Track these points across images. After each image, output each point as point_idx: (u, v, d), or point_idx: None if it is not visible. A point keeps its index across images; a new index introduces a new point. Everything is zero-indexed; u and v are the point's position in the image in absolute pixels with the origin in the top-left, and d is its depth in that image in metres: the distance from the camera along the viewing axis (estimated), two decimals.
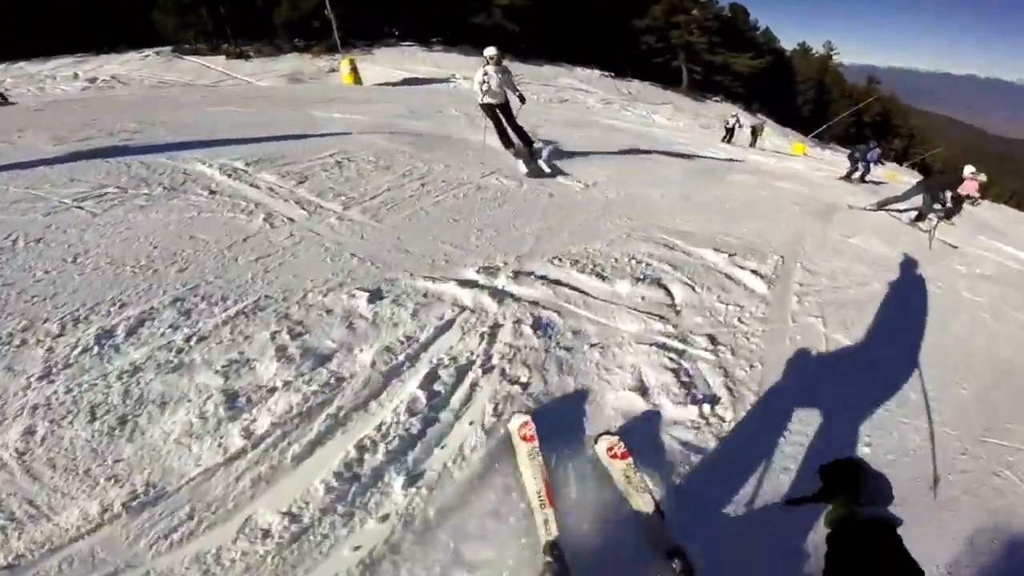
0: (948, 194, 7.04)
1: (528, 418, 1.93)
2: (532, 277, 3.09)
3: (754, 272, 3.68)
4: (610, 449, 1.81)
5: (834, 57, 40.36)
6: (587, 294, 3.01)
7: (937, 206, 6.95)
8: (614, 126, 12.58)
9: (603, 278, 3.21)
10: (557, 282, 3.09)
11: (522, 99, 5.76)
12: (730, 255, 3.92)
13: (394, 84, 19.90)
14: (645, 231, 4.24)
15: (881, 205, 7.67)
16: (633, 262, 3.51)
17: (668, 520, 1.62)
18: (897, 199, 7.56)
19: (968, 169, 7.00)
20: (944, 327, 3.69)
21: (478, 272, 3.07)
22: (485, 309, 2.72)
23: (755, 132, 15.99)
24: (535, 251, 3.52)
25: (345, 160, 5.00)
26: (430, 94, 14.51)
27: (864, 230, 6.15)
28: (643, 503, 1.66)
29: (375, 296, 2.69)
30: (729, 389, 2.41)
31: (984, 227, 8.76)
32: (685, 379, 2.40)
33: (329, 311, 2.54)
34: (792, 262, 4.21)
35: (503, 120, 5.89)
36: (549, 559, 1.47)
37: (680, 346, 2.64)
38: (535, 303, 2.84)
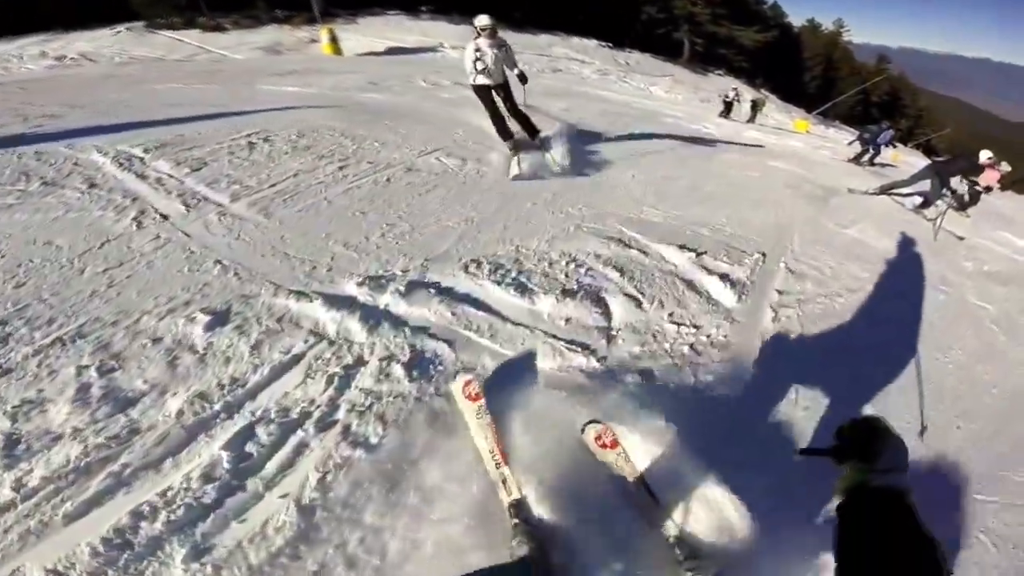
0: (962, 181, 6.35)
1: (471, 376, 1.85)
2: (430, 292, 2.47)
3: (724, 277, 3.04)
4: (598, 438, 1.71)
5: (844, 35, 38.73)
6: (498, 314, 2.39)
7: (946, 193, 6.24)
8: (602, 97, 11.71)
9: (524, 291, 2.56)
10: (464, 298, 2.47)
11: (523, 78, 4.71)
12: (698, 254, 3.27)
13: (378, 54, 18.96)
14: (600, 222, 3.58)
15: (884, 189, 6.99)
16: (571, 266, 2.86)
17: (664, 506, 1.55)
18: (902, 183, 6.89)
19: (984, 155, 6.27)
20: (946, 347, 3.08)
21: (362, 284, 2.47)
22: (350, 339, 2.13)
23: (755, 107, 15.04)
24: (451, 253, 2.88)
25: (261, 141, 4.34)
26: (409, 64, 13.60)
27: (863, 218, 5.49)
28: (637, 490, 1.60)
29: (219, 320, 2.17)
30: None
31: (993, 215, 8.03)
32: None
33: (157, 340, 2.05)
34: (774, 262, 3.56)
35: (500, 105, 4.81)
36: (516, 520, 1.42)
37: (599, 389, 2.02)
38: (423, 329, 2.24)
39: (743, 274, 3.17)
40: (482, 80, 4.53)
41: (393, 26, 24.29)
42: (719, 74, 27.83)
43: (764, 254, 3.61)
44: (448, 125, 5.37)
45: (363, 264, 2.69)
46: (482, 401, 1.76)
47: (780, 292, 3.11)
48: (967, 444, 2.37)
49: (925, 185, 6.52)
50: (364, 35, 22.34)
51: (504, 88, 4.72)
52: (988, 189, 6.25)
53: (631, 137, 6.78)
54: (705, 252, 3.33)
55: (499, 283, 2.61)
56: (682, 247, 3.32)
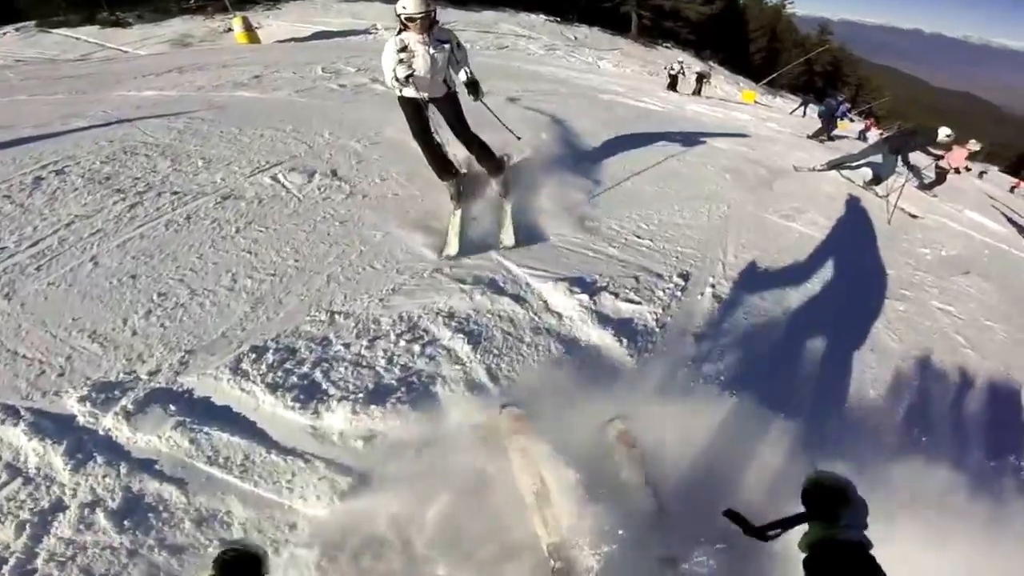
0: (923, 158, 5.83)
1: (521, 411, 1.74)
2: (170, 409, 1.79)
3: (622, 327, 2.24)
4: (621, 435, 1.69)
5: (787, 7, 39.10)
6: (262, 437, 1.70)
7: (902, 169, 5.69)
8: (537, 73, 10.76)
9: (311, 397, 1.78)
10: (217, 415, 1.78)
11: (475, 88, 2.97)
12: (593, 292, 2.45)
13: (299, 40, 17.59)
14: (473, 253, 2.72)
15: (833, 165, 6.43)
16: (403, 341, 2.02)
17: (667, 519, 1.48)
18: (852, 158, 6.38)
19: (944, 132, 5.73)
20: (912, 378, 2.41)
21: (86, 399, 1.81)
22: (52, 477, 1.61)
23: (701, 79, 14.40)
24: (229, 336, 2.06)
25: (53, 174, 3.31)
26: (324, 50, 12.26)
27: (810, 204, 4.85)
28: (644, 497, 1.54)
29: None
30: None
31: (945, 187, 7.60)
32: None
33: None
34: (699, 287, 2.80)
35: (441, 124, 3.12)
36: (559, 564, 1.35)
37: None
38: (147, 465, 1.65)
39: (652, 315, 2.39)
40: (411, 92, 2.86)
41: (320, 9, 22.79)
42: (667, 47, 27.39)
43: (687, 276, 2.85)
44: (315, 126, 4.36)
45: (105, 363, 1.97)
46: (529, 435, 1.64)
47: (698, 335, 2.34)
48: None
49: (877, 159, 5.97)
50: (287, 21, 20.95)
51: (448, 103, 3.04)
52: (957, 170, 5.71)
53: (554, 121, 5.90)
54: (605, 287, 2.52)
55: (276, 387, 1.81)
56: (575, 283, 2.49)
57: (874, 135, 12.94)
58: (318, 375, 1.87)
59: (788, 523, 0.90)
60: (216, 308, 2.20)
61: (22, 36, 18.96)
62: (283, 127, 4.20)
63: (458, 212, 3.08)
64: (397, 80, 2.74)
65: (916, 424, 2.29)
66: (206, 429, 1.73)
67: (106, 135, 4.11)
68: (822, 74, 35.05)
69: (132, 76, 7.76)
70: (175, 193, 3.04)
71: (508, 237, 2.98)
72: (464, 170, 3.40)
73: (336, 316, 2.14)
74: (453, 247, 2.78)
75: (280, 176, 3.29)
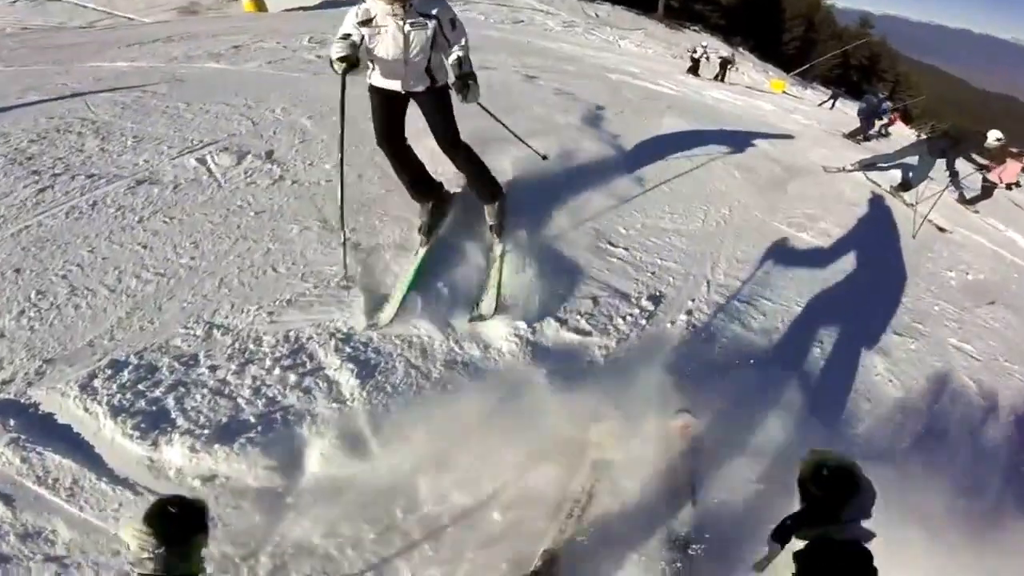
0: (966, 166, 5.24)
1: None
2: (9, 423, 1.64)
3: (559, 364, 1.85)
4: (685, 427, 1.68)
5: None
6: (97, 463, 1.58)
7: (933, 174, 5.10)
8: (548, 49, 10.15)
9: (154, 425, 1.60)
10: (56, 435, 1.64)
11: (464, 83, 2.05)
12: (534, 321, 2.04)
13: (308, 8, 17.10)
14: (404, 259, 2.32)
15: (864, 165, 5.82)
16: (280, 368, 1.70)
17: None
18: (885, 158, 5.77)
19: (994, 135, 5.09)
20: (897, 446, 1.98)
21: None
22: None
23: (725, 65, 13.60)
24: (95, 346, 1.84)
25: None
26: (324, 19, 11.73)
27: (826, 211, 4.32)
28: (683, 490, 1.55)
29: None
30: None
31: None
32: None
33: None
34: (671, 312, 2.37)
35: (413, 127, 2.37)
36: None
37: None
38: None
39: (601, 349, 1.98)
40: (379, 80, 2.14)
41: None
42: (695, 30, 26.20)
43: (659, 298, 2.42)
44: (271, 101, 3.94)
45: None
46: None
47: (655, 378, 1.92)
48: None
49: (912, 161, 5.37)
50: None
51: (431, 100, 2.22)
52: (1009, 187, 5.12)
53: (551, 97, 5.38)
54: (554, 312, 2.10)
55: (121, 411, 1.63)
56: (525, 319, 2.07)
57: (903, 131, 12.05)
58: (170, 402, 1.65)
59: (771, 555, 0.85)
60: (91, 311, 1.93)
61: (31, 3, 18.89)
62: (235, 102, 3.82)
63: (422, 251, 2.28)
64: (344, 57, 1.87)
65: (897, 495, 1.89)
66: (40, 448, 1.61)
67: (50, 111, 3.79)
68: (858, 67, 33.23)
69: (117, 46, 7.43)
70: (90, 176, 2.70)
71: (488, 303, 2.09)
72: (456, 190, 2.65)
73: (214, 330, 1.82)
74: (391, 308, 1.97)
75: (208, 157, 2.92)
